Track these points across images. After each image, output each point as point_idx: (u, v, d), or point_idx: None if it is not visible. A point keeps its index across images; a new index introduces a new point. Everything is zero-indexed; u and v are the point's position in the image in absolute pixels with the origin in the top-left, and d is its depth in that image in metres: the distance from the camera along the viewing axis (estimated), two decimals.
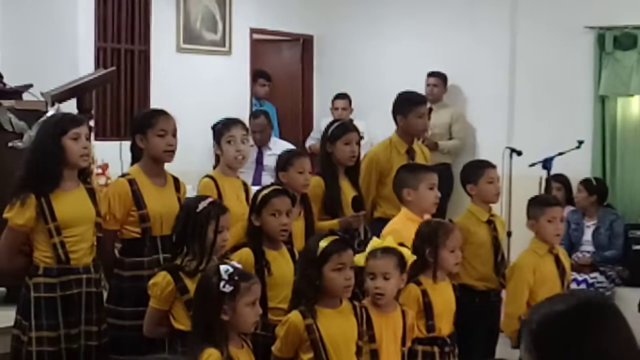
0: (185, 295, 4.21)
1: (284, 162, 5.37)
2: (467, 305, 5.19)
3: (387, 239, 4.50)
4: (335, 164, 5.73)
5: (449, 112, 9.41)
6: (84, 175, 4.64)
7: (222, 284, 3.70)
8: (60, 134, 4.45)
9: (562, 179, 8.42)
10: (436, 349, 4.69)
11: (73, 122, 4.53)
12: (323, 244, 4.07)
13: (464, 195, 5.92)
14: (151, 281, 4.32)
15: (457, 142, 9.39)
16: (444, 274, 4.80)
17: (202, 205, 4.34)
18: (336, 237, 4.16)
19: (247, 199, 5.10)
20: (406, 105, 6.29)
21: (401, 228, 5.15)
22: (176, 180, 4.98)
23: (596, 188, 8.44)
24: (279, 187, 4.86)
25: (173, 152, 4.85)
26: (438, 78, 9.47)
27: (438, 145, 9.08)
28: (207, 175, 5.22)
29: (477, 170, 5.75)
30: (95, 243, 4.60)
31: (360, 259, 4.31)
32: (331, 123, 5.97)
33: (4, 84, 6.09)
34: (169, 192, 4.89)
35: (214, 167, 5.30)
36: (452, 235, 4.80)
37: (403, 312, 4.47)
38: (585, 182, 8.46)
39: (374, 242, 4.45)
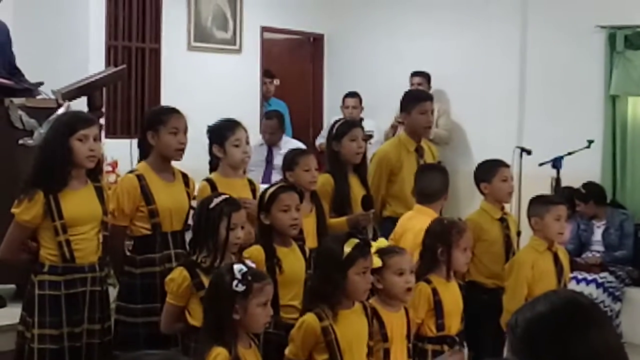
0: (201, 291, 4.21)
1: (290, 161, 5.37)
2: (476, 302, 5.19)
3: (380, 240, 4.53)
4: (343, 161, 5.73)
5: (435, 108, 9.40)
6: (95, 173, 4.65)
7: (234, 283, 3.71)
8: (69, 135, 4.44)
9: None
10: (446, 348, 4.70)
11: (82, 123, 4.51)
12: (347, 248, 4.07)
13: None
14: (168, 277, 4.35)
15: (444, 132, 9.42)
16: (452, 272, 4.82)
17: (215, 202, 4.36)
18: (358, 240, 4.16)
19: (254, 197, 5.08)
20: (410, 102, 6.33)
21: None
22: (185, 176, 4.99)
23: (587, 195, 8.43)
24: (285, 183, 4.88)
25: (183, 150, 4.86)
26: (422, 77, 9.47)
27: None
28: (206, 179, 5.17)
29: (491, 169, 5.78)
30: (101, 241, 4.61)
31: (375, 260, 4.32)
32: (336, 121, 5.98)
33: (16, 82, 6.11)
34: (178, 188, 4.91)
35: (211, 169, 5.25)
36: (465, 235, 4.82)
37: (405, 309, 4.49)
38: (577, 193, 8.44)
39: (381, 243, 4.46)
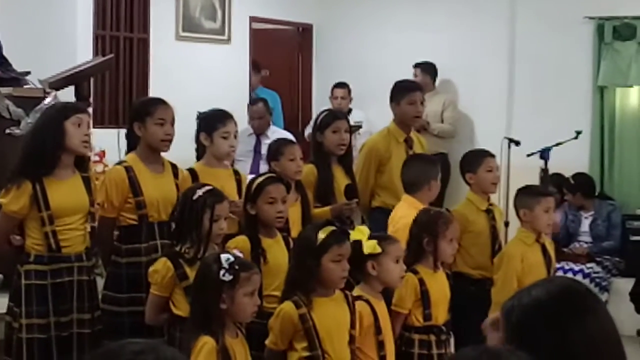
0: (185, 282, 4.23)
1: (275, 151, 5.39)
2: (463, 293, 5.21)
3: (362, 227, 4.55)
4: (327, 152, 5.74)
5: (441, 100, 9.40)
6: (83, 163, 4.65)
7: (222, 272, 3.71)
8: (63, 119, 4.46)
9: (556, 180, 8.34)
10: (432, 337, 4.73)
11: (76, 109, 4.58)
12: (322, 235, 4.08)
13: (462, 184, 5.94)
14: (151, 268, 4.35)
15: (448, 126, 9.40)
16: (439, 263, 4.83)
17: (199, 193, 4.36)
18: (334, 228, 4.17)
19: (239, 188, 5.08)
20: (399, 92, 6.32)
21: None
22: (174, 167, 4.99)
23: (574, 186, 8.46)
24: (273, 175, 4.88)
25: (170, 141, 4.86)
26: (419, 68, 9.45)
27: (429, 124, 9.04)
28: (188, 169, 5.14)
29: (477, 159, 5.79)
30: (88, 231, 4.60)
31: (374, 246, 4.33)
32: (321, 112, 6.00)
33: (3, 71, 6.09)
34: (166, 179, 4.91)
35: (197, 157, 5.25)
36: (452, 226, 4.84)
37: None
38: (566, 183, 8.47)
39: (364, 230, 4.47)
